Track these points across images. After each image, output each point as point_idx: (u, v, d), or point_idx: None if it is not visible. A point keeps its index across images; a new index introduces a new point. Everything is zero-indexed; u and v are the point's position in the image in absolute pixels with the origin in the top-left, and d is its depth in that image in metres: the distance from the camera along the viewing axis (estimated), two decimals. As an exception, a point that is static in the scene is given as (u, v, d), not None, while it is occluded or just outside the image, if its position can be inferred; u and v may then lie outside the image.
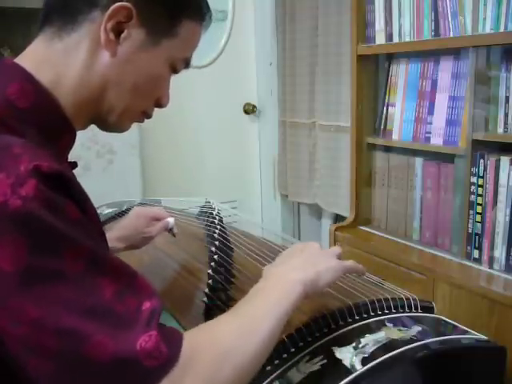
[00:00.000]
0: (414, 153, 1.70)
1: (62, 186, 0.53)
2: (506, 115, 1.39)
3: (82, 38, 0.64)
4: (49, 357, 0.49)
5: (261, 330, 0.60)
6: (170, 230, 1.11)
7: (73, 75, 0.64)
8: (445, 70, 1.59)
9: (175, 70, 0.72)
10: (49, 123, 0.62)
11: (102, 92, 0.66)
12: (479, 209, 1.46)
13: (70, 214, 0.52)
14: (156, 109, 0.75)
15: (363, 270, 0.81)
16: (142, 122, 0.76)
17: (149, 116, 0.75)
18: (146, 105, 0.72)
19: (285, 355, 0.76)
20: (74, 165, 0.71)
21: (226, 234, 1.22)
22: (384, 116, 1.80)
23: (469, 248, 1.49)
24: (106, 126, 0.72)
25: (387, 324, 0.80)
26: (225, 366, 0.55)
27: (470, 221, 1.48)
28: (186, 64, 0.73)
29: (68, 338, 0.49)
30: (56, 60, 0.64)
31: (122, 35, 0.64)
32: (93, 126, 0.73)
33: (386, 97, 1.79)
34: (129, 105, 0.69)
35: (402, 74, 1.74)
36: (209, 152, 2.49)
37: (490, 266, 1.44)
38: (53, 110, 0.63)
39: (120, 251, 1.02)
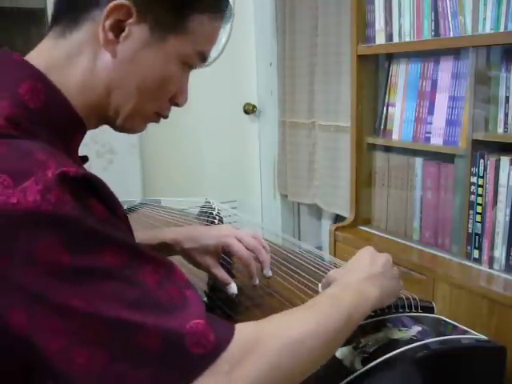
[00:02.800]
0: (414, 153, 1.70)
1: (90, 189, 0.53)
2: (506, 115, 1.39)
3: (85, 37, 0.62)
4: (101, 345, 0.49)
5: (330, 332, 0.60)
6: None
7: (78, 77, 0.63)
8: (445, 70, 1.59)
9: (191, 66, 0.68)
10: (60, 122, 0.61)
11: (108, 94, 0.64)
12: (479, 209, 1.46)
13: (100, 214, 0.52)
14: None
15: None
16: (158, 122, 0.72)
17: (164, 116, 0.70)
18: (159, 105, 0.68)
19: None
20: (85, 159, 0.71)
21: (226, 234, 1.21)
22: (384, 116, 1.80)
23: (469, 248, 1.49)
24: (115, 127, 0.69)
25: (387, 324, 0.80)
26: (287, 356, 0.55)
27: (470, 221, 1.48)
28: (203, 59, 0.68)
29: (119, 329, 0.49)
30: (62, 60, 0.63)
31: (123, 34, 0.62)
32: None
33: (386, 97, 1.79)
34: (137, 106, 0.66)
35: (401, 73, 1.74)
36: (209, 152, 2.49)
37: (490, 266, 1.44)
38: (64, 109, 0.62)
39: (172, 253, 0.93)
